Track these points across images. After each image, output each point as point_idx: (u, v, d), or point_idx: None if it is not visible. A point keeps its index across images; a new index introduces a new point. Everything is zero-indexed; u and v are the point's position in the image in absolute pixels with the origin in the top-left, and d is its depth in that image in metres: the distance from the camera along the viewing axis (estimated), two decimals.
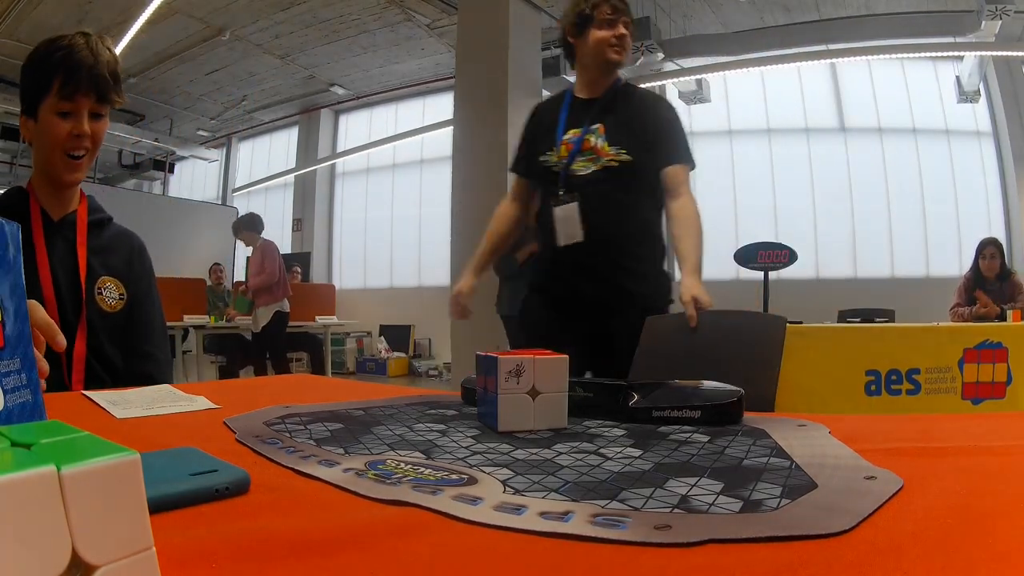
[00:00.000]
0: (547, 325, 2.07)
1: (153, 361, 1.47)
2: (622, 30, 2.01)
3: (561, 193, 2.01)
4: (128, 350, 1.44)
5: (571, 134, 2.04)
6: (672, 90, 8.80)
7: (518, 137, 2.21)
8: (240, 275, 9.19)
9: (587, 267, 2.01)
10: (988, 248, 4.64)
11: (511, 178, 2.21)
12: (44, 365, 0.83)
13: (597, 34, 2.01)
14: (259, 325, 6.17)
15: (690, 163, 2.06)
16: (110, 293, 1.44)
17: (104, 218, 1.51)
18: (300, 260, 10.65)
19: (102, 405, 0.85)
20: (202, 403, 0.90)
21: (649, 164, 2.01)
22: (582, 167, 2.01)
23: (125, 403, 0.87)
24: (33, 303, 0.88)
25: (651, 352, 1.68)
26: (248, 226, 6.28)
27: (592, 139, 2.02)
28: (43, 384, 0.85)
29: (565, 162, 2.02)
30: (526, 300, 2.20)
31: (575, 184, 2.00)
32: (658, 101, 2.15)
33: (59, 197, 1.43)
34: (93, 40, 1.37)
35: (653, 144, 2.01)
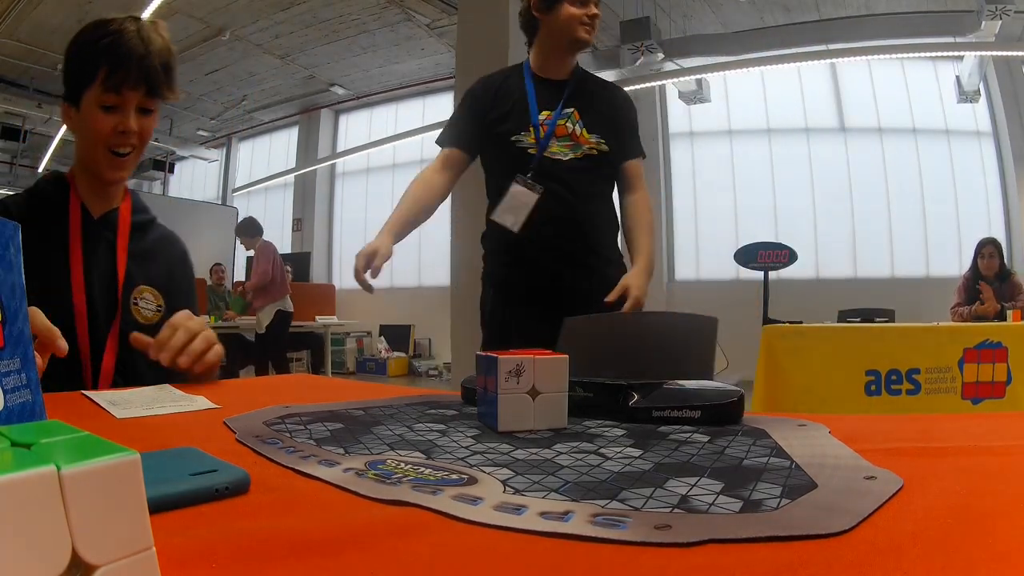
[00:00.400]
0: (525, 320, 1.96)
1: (180, 378, 1.36)
2: (594, 9, 1.94)
3: (529, 176, 1.93)
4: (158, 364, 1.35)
5: (543, 115, 1.97)
6: (672, 90, 8.81)
7: (464, 111, 2.07)
8: (241, 275, 9.20)
9: (566, 253, 1.95)
10: (987, 247, 4.65)
11: (445, 150, 2.07)
12: (62, 345, 0.82)
13: (569, 10, 1.92)
14: (263, 325, 6.18)
15: (644, 156, 2.07)
16: (147, 304, 1.32)
17: (148, 219, 1.41)
18: (300, 260, 10.66)
19: (102, 405, 0.85)
20: (202, 403, 0.90)
21: (618, 155, 2.00)
22: (560, 152, 1.95)
23: (125, 403, 0.87)
24: (33, 309, 0.87)
25: (571, 354, 1.68)
26: (245, 231, 6.30)
27: (568, 124, 1.96)
28: None
29: (540, 145, 1.95)
30: (492, 300, 2.06)
31: (549, 169, 1.94)
32: (616, 90, 2.10)
33: (101, 192, 1.33)
34: (144, 26, 1.26)
35: (620, 135, 2.00)
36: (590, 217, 1.96)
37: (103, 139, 1.25)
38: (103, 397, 0.90)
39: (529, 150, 1.95)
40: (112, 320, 1.26)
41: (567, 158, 1.94)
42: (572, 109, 1.97)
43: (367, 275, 1.76)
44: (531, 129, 1.95)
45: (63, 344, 0.81)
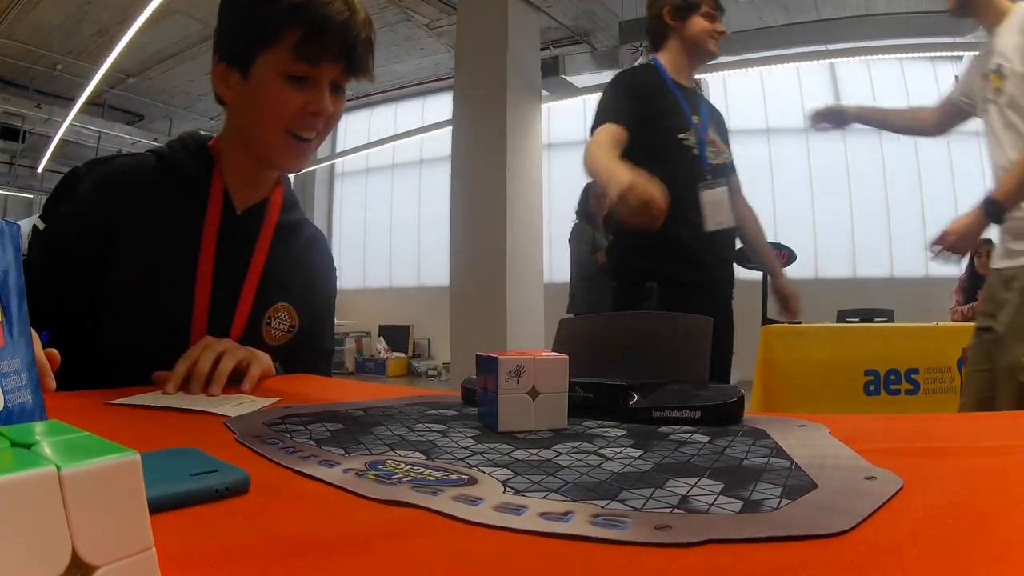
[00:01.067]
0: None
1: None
2: (721, 27, 2.02)
3: (709, 177, 1.99)
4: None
5: (695, 120, 2.02)
6: None
7: (623, 94, 1.99)
8: None
9: (724, 257, 2.07)
10: (983, 247, 4.65)
11: (611, 129, 1.91)
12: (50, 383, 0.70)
13: (702, 23, 2.00)
14: None
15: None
16: (279, 324, 1.14)
17: (294, 220, 1.19)
18: None
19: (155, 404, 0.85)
20: (260, 401, 0.89)
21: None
22: (712, 156, 2.02)
23: (203, 404, 0.86)
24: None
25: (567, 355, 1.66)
26: None
27: (711, 131, 2.04)
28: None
29: (701, 147, 2.00)
30: (660, 295, 1.97)
31: (716, 173, 2.01)
32: (712, 104, 2.19)
33: (253, 181, 1.12)
34: None
35: (729, 147, 2.12)
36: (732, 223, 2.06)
37: (286, 119, 1.03)
38: (177, 402, 0.87)
39: (694, 150, 1.99)
40: (229, 333, 1.08)
41: (719, 162, 2.02)
42: (703, 117, 2.05)
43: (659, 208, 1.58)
44: (691, 128, 1.99)
45: (50, 383, 0.69)
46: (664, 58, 2.07)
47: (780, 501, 0.42)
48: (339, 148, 11.14)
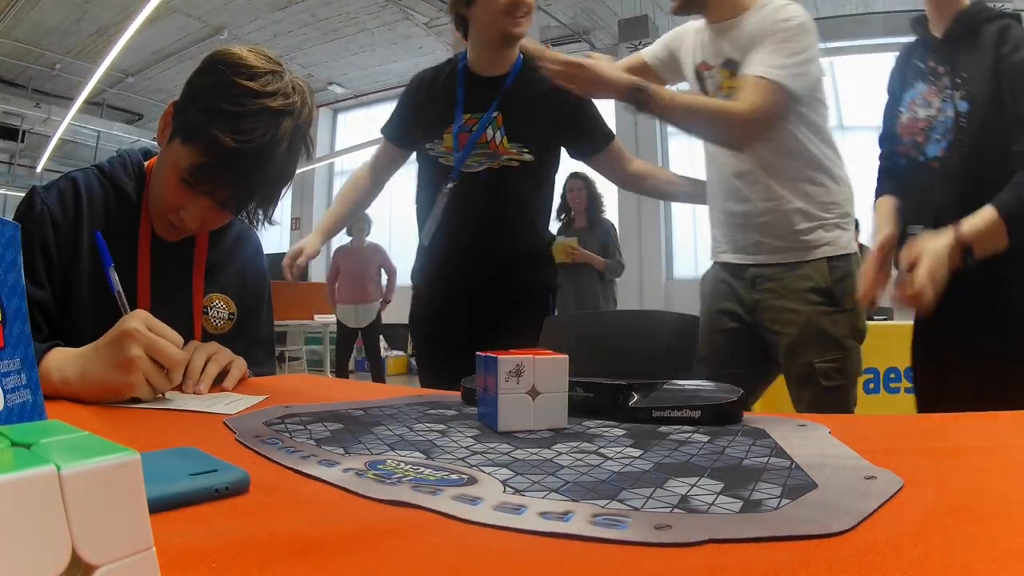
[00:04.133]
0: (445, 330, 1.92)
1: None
2: None
3: (448, 187, 1.83)
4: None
5: (467, 120, 1.81)
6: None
7: (400, 103, 1.98)
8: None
9: (475, 264, 1.87)
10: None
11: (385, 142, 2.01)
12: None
13: (490, 1, 1.71)
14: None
15: (611, 139, 1.96)
16: (218, 313, 1.22)
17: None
18: None
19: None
20: (249, 400, 0.90)
21: (552, 162, 1.91)
22: (475, 163, 1.81)
23: (197, 404, 0.87)
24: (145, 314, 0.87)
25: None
26: None
27: (490, 132, 1.80)
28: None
29: (461, 155, 1.81)
30: (428, 308, 2.00)
31: (465, 178, 1.83)
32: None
33: None
34: (287, 129, 1.08)
35: (571, 134, 1.88)
36: (498, 227, 1.86)
37: (165, 210, 1.12)
38: (174, 403, 0.89)
39: (442, 160, 1.85)
40: (180, 328, 1.11)
41: (480, 169, 1.81)
42: (497, 113, 1.80)
43: (290, 272, 1.87)
44: (442, 137, 1.83)
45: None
46: (470, 51, 1.86)
47: (780, 501, 0.42)
48: (338, 147, 11.14)
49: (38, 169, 10.68)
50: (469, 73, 1.85)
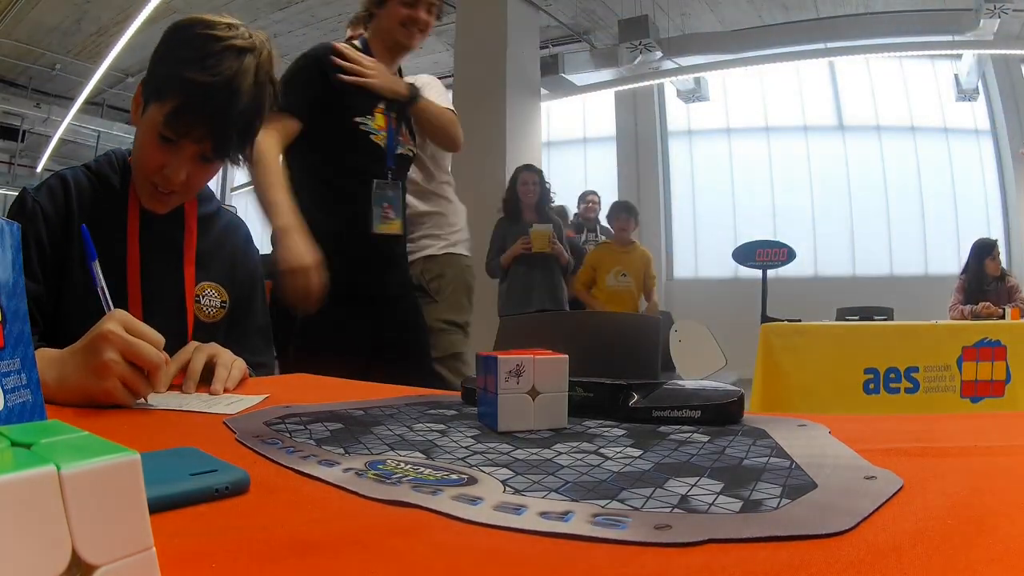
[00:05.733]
0: (357, 334, 1.83)
1: (252, 368, 1.15)
2: (422, 14, 1.87)
3: (390, 172, 1.87)
4: None
5: (382, 105, 1.88)
6: (671, 88, 8.80)
7: (304, 75, 1.84)
8: None
9: (395, 258, 1.94)
10: (995, 249, 4.67)
11: (285, 119, 1.77)
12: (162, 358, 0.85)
13: (395, 10, 1.86)
14: None
15: None
16: (210, 301, 1.23)
17: (211, 210, 1.30)
18: None
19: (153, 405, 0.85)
20: (249, 400, 0.90)
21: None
22: (401, 149, 1.92)
23: (193, 404, 0.87)
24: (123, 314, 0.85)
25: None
26: None
27: (394, 121, 1.92)
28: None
29: (387, 137, 1.86)
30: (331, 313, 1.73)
31: (396, 164, 1.90)
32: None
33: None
34: (248, 68, 1.13)
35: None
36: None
37: (148, 172, 1.14)
38: (169, 402, 0.89)
39: (373, 137, 1.86)
40: (183, 324, 1.18)
41: (403, 154, 1.95)
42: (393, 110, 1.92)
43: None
44: (372, 114, 1.85)
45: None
46: (371, 39, 1.96)
47: (780, 501, 0.42)
48: None
49: (38, 169, 10.67)
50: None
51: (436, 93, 2.19)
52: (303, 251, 1.58)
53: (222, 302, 1.25)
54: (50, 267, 1.13)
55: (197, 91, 1.06)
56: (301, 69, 1.85)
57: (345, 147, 1.83)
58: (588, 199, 5.44)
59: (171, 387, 0.98)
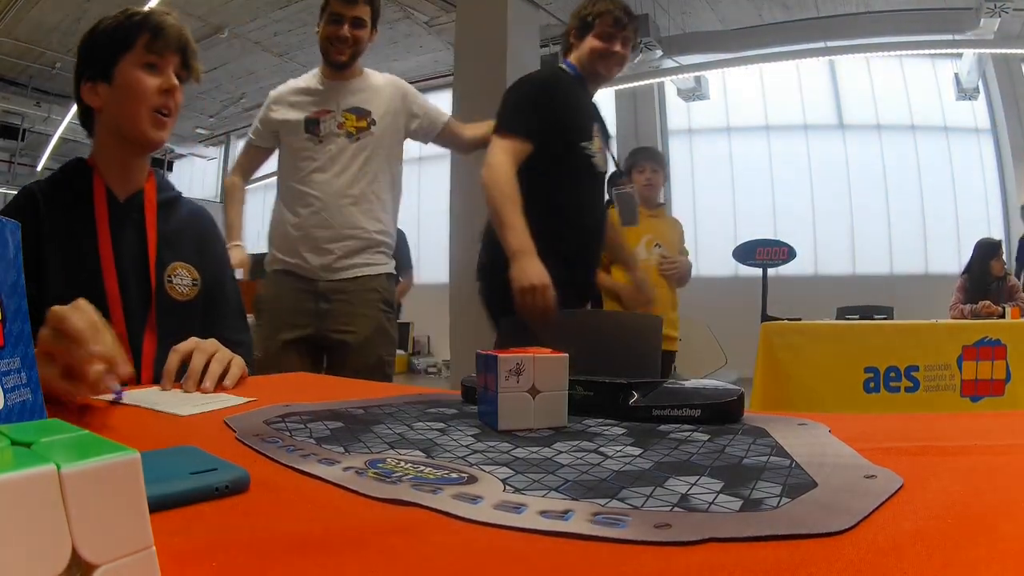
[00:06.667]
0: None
1: (231, 346, 1.17)
2: (618, 47, 2.00)
3: (623, 180, 2.18)
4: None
5: (595, 128, 2.04)
6: (671, 87, 8.80)
7: (534, 99, 1.96)
8: (239, 273, 9.18)
9: (598, 260, 2.11)
10: (1000, 249, 4.68)
11: (520, 144, 1.91)
12: (127, 369, 0.84)
13: (592, 43, 2.00)
14: None
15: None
16: (182, 280, 1.32)
17: (172, 196, 1.39)
18: None
19: (152, 407, 0.85)
20: (235, 399, 0.91)
21: None
22: (600, 164, 2.06)
23: (172, 403, 0.87)
24: (82, 305, 0.83)
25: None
26: None
27: (600, 141, 2.05)
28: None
29: (601, 154, 2.04)
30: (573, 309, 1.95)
31: (599, 178, 2.06)
32: None
33: (128, 173, 1.31)
34: (172, 11, 1.33)
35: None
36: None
37: (149, 98, 1.27)
38: (143, 399, 0.89)
39: (593, 157, 2.01)
40: (148, 302, 1.26)
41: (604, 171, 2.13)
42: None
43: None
44: (592, 138, 2.01)
45: (126, 370, 0.82)
46: (576, 65, 2.09)
47: (780, 500, 0.42)
48: None
49: (38, 168, 10.68)
50: (587, 86, 2.09)
51: (416, 96, 2.33)
52: (537, 272, 1.73)
53: (193, 280, 1.33)
54: (30, 275, 1.14)
55: (156, 20, 1.27)
56: (529, 93, 1.97)
57: (575, 170, 1.96)
58: None
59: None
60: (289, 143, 2.21)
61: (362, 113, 2.20)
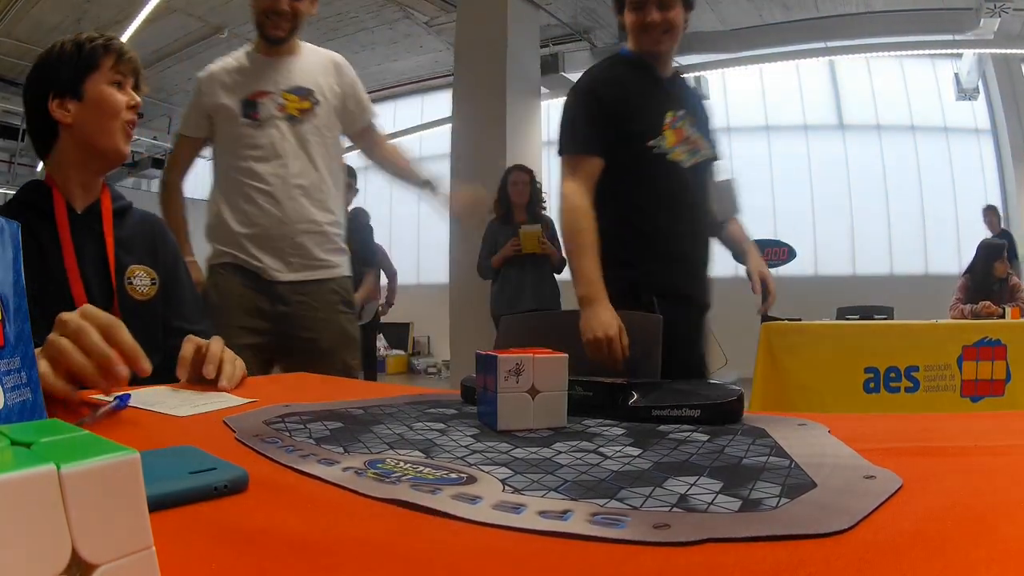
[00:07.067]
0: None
1: (187, 335, 1.20)
2: (654, 15, 1.78)
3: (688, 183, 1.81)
4: (166, 331, 1.37)
5: (669, 117, 1.79)
6: None
7: (584, 110, 1.81)
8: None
9: (693, 261, 1.88)
10: (1004, 250, 4.67)
11: (584, 161, 1.78)
12: (146, 364, 0.87)
13: (628, 18, 1.82)
14: None
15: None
16: (141, 281, 1.40)
17: (125, 205, 1.47)
18: None
19: (151, 409, 0.85)
20: (234, 399, 0.91)
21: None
22: (684, 158, 1.80)
23: (169, 404, 0.87)
24: (117, 322, 0.87)
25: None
26: None
27: (686, 128, 1.82)
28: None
29: (675, 149, 1.79)
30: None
31: (678, 174, 1.79)
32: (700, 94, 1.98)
33: (85, 187, 1.38)
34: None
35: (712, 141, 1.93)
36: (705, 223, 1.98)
37: (121, 112, 1.36)
38: (143, 399, 0.89)
39: (668, 155, 1.81)
40: (111, 304, 1.32)
41: (689, 163, 1.83)
42: (684, 110, 1.84)
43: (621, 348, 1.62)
44: (663, 133, 1.79)
45: (146, 365, 0.86)
46: (630, 48, 1.89)
47: (779, 500, 0.42)
48: None
49: (38, 168, 10.66)
50: (648, 66, 1.87)
51: (357, 80, 2.18)
52: (604, 322, 1.60)
53: (152, 280, 1.41)
54: None
55: (114, 44, 1.37)
56: (577, 104, 1.83)
57: (642, 171, 1.78)
58: None
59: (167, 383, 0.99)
60: (225, 130, 2.01)
61: (304, 93, 2.02)
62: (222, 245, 1.99)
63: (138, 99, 1.40)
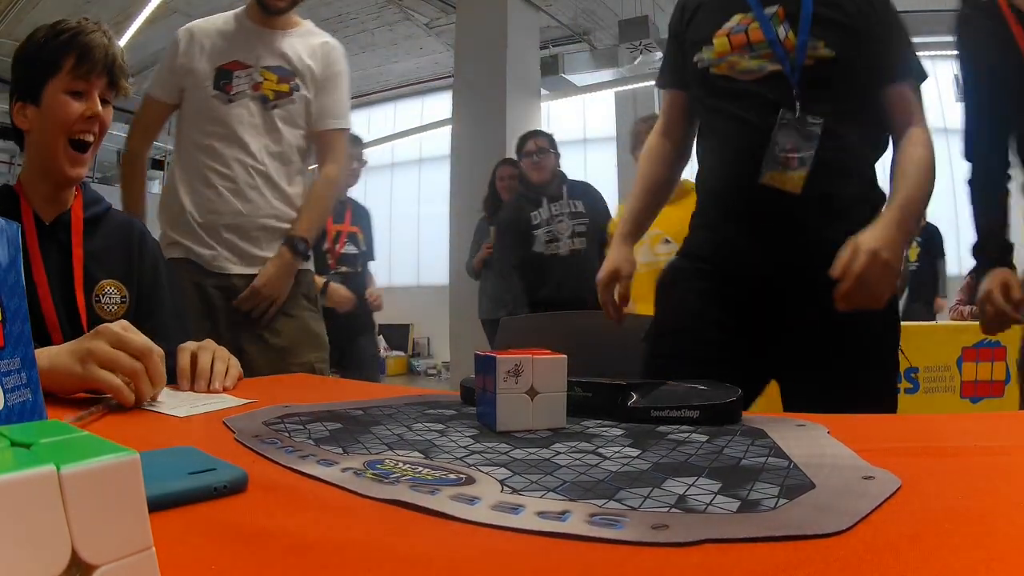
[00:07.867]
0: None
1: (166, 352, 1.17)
2: None
3: (763, 104, 1.30)
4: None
5: (736, 20, 1.33)
6: None
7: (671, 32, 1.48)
8: None
9: (799, 226, 1.33)
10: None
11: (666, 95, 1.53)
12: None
13: None
14: None
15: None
16: (110, 299, 1.30)
17: (100, 211, 1.37)
18: None
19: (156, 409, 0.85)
20: (233, 399, 0.91)
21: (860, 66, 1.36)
22: (783, 65, 1.29)
23: (165, 404, 0.87)
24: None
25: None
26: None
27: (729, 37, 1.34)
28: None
29: (742, 53, 1.32)
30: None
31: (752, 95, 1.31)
32: None
33: (54, 196, 1.29)
34: (102, 25, 1.28)
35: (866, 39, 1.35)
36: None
37: (68, 126, 1.24)
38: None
39: (712, 69, 1.39)
40: (78, 322, 1.23)
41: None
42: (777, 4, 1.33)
43: (617, 306, 1.43)
44: (714, 43, 1.35)
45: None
46: None
47: (778, 501, 0.42)
48: None
49: None
50: None
51: (345, 77, 1.97)
52: (608, 263, 1.43)
53: (122, 298, 1.31)
54: None
55: (84, 40, 1.23)
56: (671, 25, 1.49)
57: (708, 103, 1.39)
58: None
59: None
60: (192, 98, 1.83)
61: (286, 74, 1.84)
62: (173, 231, 1.83)
63: (96, 108, 1.25)
